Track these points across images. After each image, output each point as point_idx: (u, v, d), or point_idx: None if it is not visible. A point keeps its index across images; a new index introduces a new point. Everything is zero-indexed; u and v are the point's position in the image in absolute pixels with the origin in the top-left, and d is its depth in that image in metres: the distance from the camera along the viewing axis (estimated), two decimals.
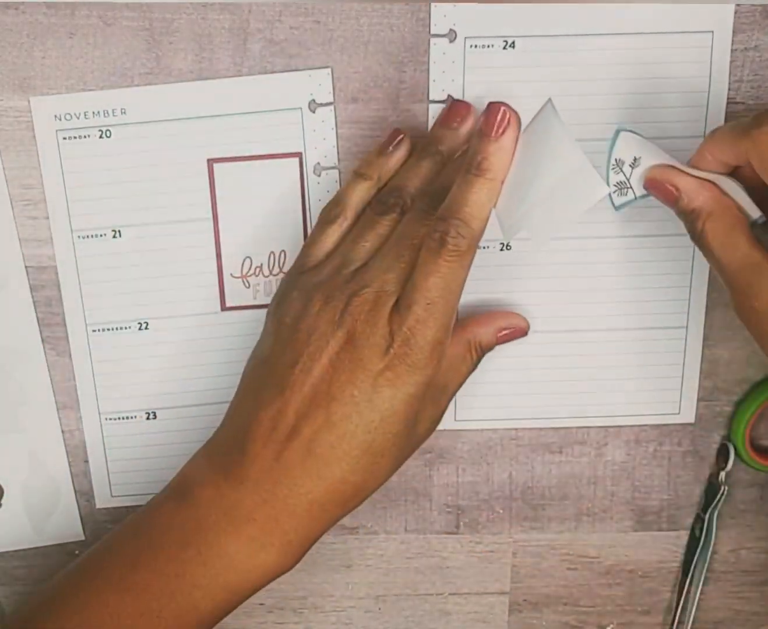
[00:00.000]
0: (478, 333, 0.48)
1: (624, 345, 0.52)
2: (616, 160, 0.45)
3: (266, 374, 0.43)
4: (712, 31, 0.47)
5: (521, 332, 0.50)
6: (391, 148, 0.47)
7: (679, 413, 0.53)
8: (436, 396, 0.45)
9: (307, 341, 0.42)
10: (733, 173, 0.43)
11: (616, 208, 0.46)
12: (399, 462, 0.44)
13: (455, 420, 0.53)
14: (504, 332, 0.49)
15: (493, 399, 0.53)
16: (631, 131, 0.45)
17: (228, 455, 0.43)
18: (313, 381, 0.42)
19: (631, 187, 0.45)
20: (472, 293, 0.51)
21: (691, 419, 0.53)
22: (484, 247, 0.50)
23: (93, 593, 0.43)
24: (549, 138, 0.41)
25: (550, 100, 0.41)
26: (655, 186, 0.44)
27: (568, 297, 0.51)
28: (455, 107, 0.47)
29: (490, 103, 0.42)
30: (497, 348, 0.49)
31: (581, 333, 0.52)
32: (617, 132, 0.45)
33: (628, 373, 0.52)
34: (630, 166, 0.45)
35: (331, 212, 0.46)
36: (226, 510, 0.42)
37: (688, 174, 0.43)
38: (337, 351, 0.42)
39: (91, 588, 0.43)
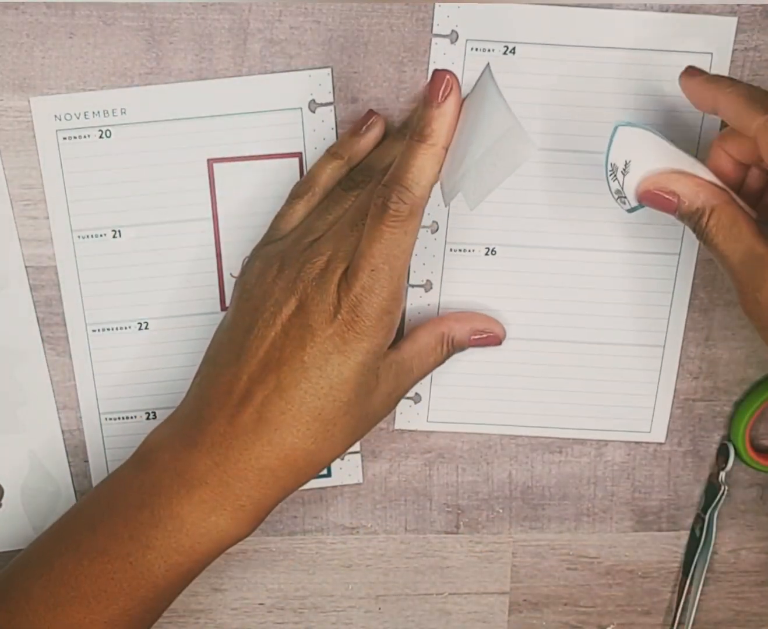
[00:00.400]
0: (454, 329, 0.48)
1: (601, 359, 0.52)
2: (611, 165, 0.44)
3: (226, 341, 0.44)
4: (711, 53, 0.48)
5: (496, 340, 0.50)
6: (363, 128, 0.47)
7: (650, 432, 0.53)
8: (398, 373, 0.45)
9: (262, 307, 0.43)
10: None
11: (628, 212, 0.45)
12: (354, 435, 0.45)
13: (427, 421, 0.53)
14: (478, 335, 0.49)
15: (466, 402, 0.53)
16: (628, 125, 0.43)
17: (186, 420, 0.44)
18: (267, 347, 0.42)
19: (626, 196, 0.44)
20: (454, 296, 0.51)
21: (662, 439, 0.53)
22: (468, 251, 0.50)
23: (56, 557, 0.44)
24: (485, 101, 0.41)
25: (488, 65, 0.42)
26: (650, 198, 0.43)
27: (549, 306, 0.51)
28: (437, 79, 0.46)
29: (435, 70, 0.42)
30: (475, 351, 0.50)
31: (558, 343, 0.52)
32: (615, 128, 0.43)
33: (600, 387, 0.52)
34: (622, 172, 0.44)
35: (300, 188, 0.47)
36: (180, 473, 0.43)
37: (681, 175, 0.42)
38: (289, 317, 0.42)
39: (54, 553, 0.44)
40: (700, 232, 0.42)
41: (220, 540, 0.44)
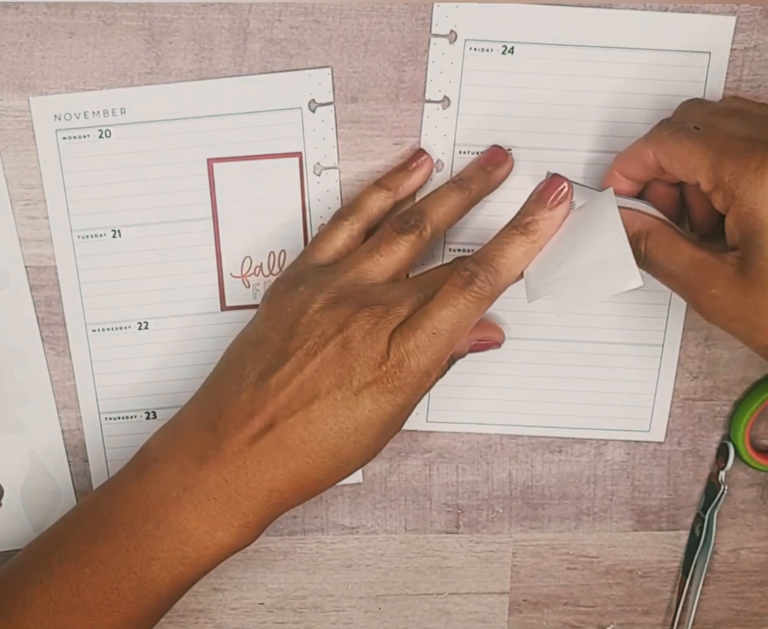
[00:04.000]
0: None
1: (600, 358, 0.52)
2: None
3: (254, 357, 0.44)
4: (710, 52, 0.48)
5: (495, 344, 0.50)
6: (413, 165, 0.48)
7: (649, 431, 0.53)
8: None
9: (305, 336, 0.43)
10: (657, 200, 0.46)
11: None
12: (362, 466, 0.45)
13: (426, 421, 0.53)
14: (478, 342, 0.49)
15: (466, 402, 0.53)
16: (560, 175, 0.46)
17: (196, 431, 0.43)
18: (303, 377, 0.42)
19: None
20: None
21: (661, 438, 0.54)
22: (468, 251, 0.50)
23: (55, 565, 0.43)
24: (600, 220, 0.42)
25: (611, 190, 0.43)
26: None
27: (548, 306, 0.51)
28: (494, 154, 0.49)
29: (554, 175, 0.43)
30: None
31: (558, 343, 0.52)
32: (547, 175, 0.46)
33: (600, 387, 0.52)
34: None
35: (344, 211, 0.48)
36: (187, 487, 0.42)
37: None
38: (332, 353, 0.42)
39: (53, 560, 0.43)
40: (641, 257, 0.44)
41: (224, 552, 0.44)
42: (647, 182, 0.46)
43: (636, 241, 0.44)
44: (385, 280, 0.45)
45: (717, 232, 0.44)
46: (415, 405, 0.45)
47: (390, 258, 0.45)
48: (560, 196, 0.43)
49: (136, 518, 0.43)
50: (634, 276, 0.40)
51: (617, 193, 0.45)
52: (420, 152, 0.49)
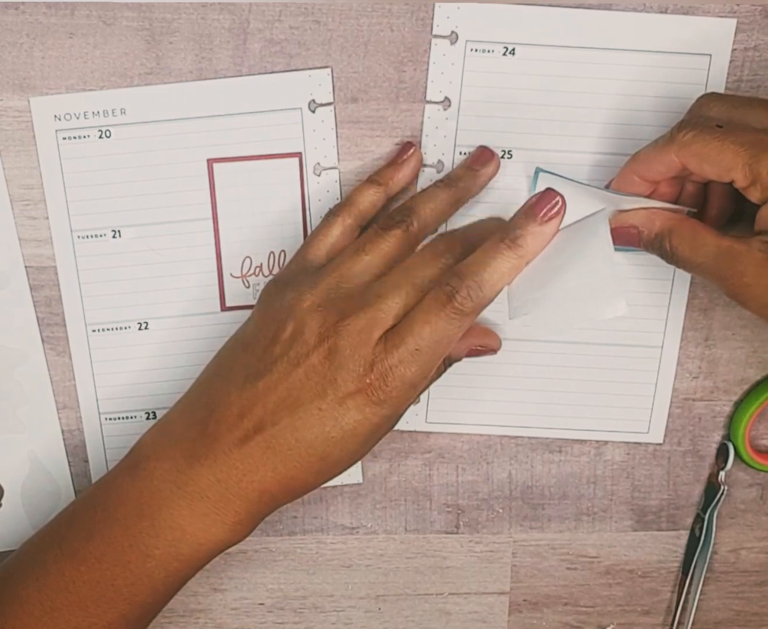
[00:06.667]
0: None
1: (600, 359, 0.52)
2: None
3: (243, 360, 0.44)
4: (710, 55, 0.48)
5: (491, 352, 0.50)
6: (402, 159, 0.48)
7: (648, 432, 0.53)
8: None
9: (290, 343, 0.43)
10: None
11: None
12: (351, 466, 0.45)
13: (426, 422, 0.53)
14: (474, 348, 0.49)
15: (465, 403, 0.53)
16: (549, 172, 0.45)
17: (187, 429, 0.44)
18: (287, 385, 0.42)
19: None
20: None
21: (659, 439, 0.54)
22: None
23: (51, 562, 0.44)
24: (590, 242, 0.42)
25: (605, 210, 0.42)
26: (616, 235, 0.44)
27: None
28: (481, 153, 0.48)
29: (548, 189, 0.42)
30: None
31: (557, 343, 0.52)
32: (536, 172, 0.45)
33: (599, 388, 0.52)
34: None
35: (335, 208, 0.48)
36: (180, 485, 0.43)
37: (636, 210, 0.44)
38: (315, 363, 0.42)
39: (49, 558, 0.44)
40: (668, 255, 0.44)
41: (218, 549, 0.44)
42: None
43: (660, 240, 0.44)
44: (372, 277, 0.44)
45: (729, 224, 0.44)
46: (403, 412, 0.44)
47: (376, 255, 0.45)
48: (553, 212, 0.42)
49: (131, 515, 0.43)
50: (619, 303, 0.40)
51: (629, 193, 0.45)
52: (408, 145, 0.49)
